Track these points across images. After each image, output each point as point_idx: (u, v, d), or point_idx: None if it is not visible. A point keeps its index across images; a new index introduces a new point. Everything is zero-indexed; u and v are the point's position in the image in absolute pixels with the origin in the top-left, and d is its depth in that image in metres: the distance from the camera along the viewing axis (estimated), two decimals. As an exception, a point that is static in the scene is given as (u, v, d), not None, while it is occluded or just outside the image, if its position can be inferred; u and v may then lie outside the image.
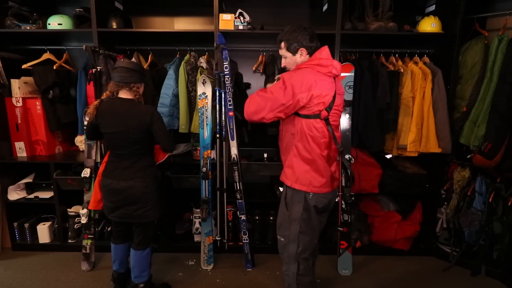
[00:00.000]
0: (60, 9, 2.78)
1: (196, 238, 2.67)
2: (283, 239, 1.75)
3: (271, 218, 2.66)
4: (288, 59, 1.69)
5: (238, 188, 2.32)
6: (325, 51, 1.64)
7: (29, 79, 2.58)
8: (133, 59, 2.51)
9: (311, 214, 1.66)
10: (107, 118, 1.79)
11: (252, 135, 2.63)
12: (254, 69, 2.78)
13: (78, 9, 2.45)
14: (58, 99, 2.57)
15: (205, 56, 2.58)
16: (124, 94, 1.82)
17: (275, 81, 1.72)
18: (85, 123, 2.35)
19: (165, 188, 2.50)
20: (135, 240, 1.94)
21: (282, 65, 1.75)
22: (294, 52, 1.65)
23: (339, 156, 1.75)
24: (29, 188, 2.68)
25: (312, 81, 1.54)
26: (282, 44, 1.68)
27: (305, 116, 1.59)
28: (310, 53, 1.65)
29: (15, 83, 2.52)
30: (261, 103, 1.59)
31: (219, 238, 2.49)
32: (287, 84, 1.55)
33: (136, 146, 1.82)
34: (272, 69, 2.61)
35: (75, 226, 2.66)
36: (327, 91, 1.57)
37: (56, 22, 2.41)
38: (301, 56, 1.65)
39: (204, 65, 2.50)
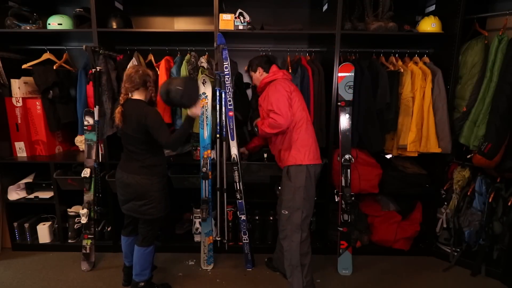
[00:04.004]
0: (60, 9, 2.78)
1: (196, 238, 2.67)
2: (286, 212, 1.99)
3: (271, 218, 2.66)
4: (253, 76, 2.24)
5: (238, 188, 2.32)
6: (274, 66, 2.17)
7: (29, 79, 2.58)
8: (134, 59, 2.50)
9: (311, 182, 1.98)
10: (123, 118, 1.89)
11: (252, 135, 2.63)
12: (246, 69, 2.78)
13: (78, 9, 2.44)
14: (58, 99, 2.57)
15: (205, 56, 2.58)
16: (137, 95, 1.91)
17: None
18: (86, 123, 2.35)
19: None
20: (139, 237, 2.00)
21: (253, 83, 2.33)
22: (255, 71, 2.21)
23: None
24: (29, 188, 2.68)
25: (283, 84, 2.02)
26: (249, 68, 2.26)
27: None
28: (266, 70, 2.17)
29: (15, 83, 2.52)
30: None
31: (219, 238, 2.49)
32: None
33: (143, 146, 1.88)
34: None
35: (75, 226, 2.67)
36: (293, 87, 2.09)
37: (56, 22, 2.41)
38: (259, 73, 2.19)
39: (205, 65, 2.50)
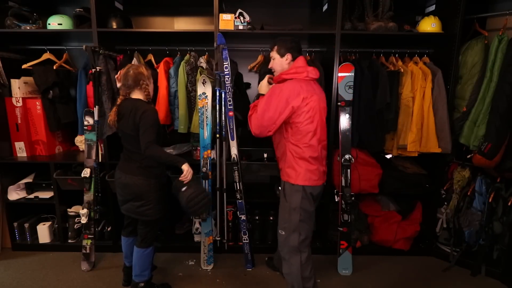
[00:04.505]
0: (60, 9, 2.78)
1: (196, 238, 2.67)
2: (283, 233, 1.86)
3: (271, 218, 2.66)
4: (276, 60, 1.90)
5: (238, 188, 2.32)
6: (300, 60, 1.86)
7: (29, 79, 2.58)
8: (134, 59, 2.51)
9: (309, 202, 1.82)
10: (119, 117, 1.89)
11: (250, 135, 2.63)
12: (249, 68, 2.78)
13: (78, 9, 2.44)
14: (58, 99, 2.57)
15: (205, 56, 2.58)
16: (135, 95, 1.91)
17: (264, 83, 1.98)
18: (86, 123, 2.35)
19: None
20: (138, 238, 1.99)
21: (269, 66, 1.97)
22: (282, 55, 1.87)
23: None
24: (29, 188, 2.68)
25: (296, 90, 1.74)
26: (275, 47, 1.89)
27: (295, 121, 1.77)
28: (293, 59, 1.87)
29: (15, 83, 2.52)
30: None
31: (219, 238, 2.49)
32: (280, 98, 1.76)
33: (140, 145, 1.85)
34: (264, 69, 2.61)
35: (75, 226, 2.67)
36: (309, 93, 1.76)
37: (56, 22, 2.41)
38: (287, 60, 1.86)
39: (204, 65, 2.50)
